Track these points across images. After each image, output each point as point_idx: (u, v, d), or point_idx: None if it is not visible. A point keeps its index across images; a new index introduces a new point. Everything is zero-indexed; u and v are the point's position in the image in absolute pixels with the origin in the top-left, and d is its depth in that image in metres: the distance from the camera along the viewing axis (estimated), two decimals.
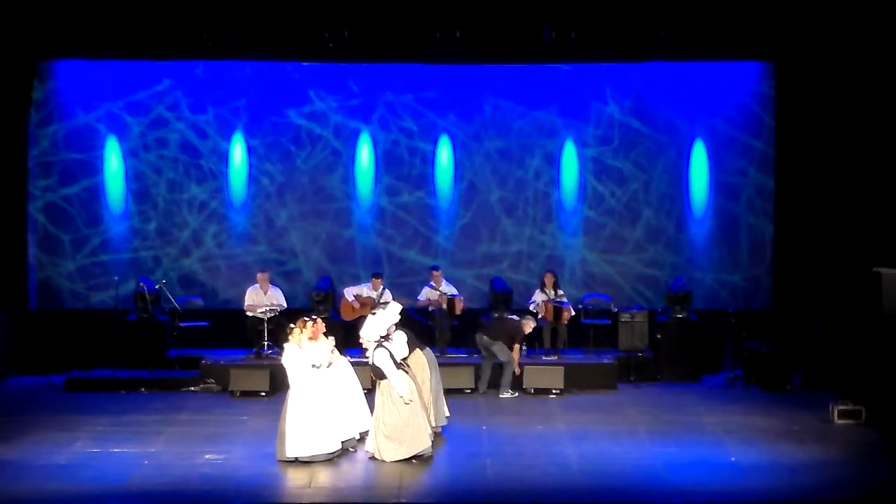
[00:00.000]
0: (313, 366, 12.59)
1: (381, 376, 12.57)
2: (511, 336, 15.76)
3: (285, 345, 12.74)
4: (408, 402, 12.49)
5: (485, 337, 15.86)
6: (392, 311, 13.12)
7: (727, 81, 17.91)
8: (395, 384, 12.49)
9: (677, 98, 17.97)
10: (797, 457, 12.72)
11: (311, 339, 12.74)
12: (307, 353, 12.62)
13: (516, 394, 15.82)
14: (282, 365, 15.20)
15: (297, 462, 12.39)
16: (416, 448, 12.54)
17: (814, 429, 13.97)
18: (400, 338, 13.05)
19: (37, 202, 17.76)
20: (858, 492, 11.55)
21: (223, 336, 17.21)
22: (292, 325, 12.77)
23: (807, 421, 14.32)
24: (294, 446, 12.40)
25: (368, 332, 12.82)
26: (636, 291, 18.13)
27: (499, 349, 15.76)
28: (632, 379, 16.66)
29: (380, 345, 12.67)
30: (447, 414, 13.80)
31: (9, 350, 17.10)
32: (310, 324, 12.79)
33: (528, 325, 15.92)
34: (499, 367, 15.95)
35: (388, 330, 12.88)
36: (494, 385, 15.95)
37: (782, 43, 16.86)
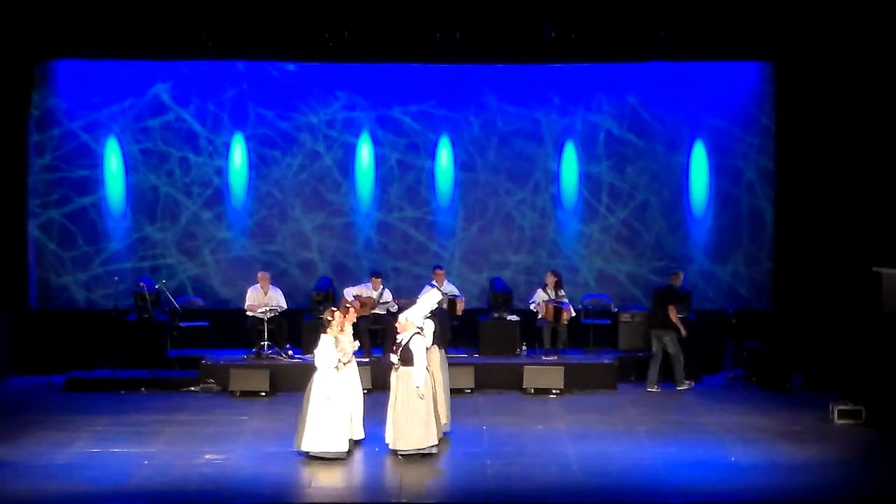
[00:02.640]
0: (336, 368, 12.66)
1: (408, 363, 12.59)
2: (666, 303, 15.95)
3: (322, 336, 12.72)
4: (421, 395, 12.54)
5: (654, 329, 16.13)
6: (433, 297, 13.21)
7: (727, 81, 17.92)
8: (416, 373, 12.54)
9: (677, 98, 17.97)
10: (797, 457, 12.73)
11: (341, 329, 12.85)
12: (341, 346, 12.69)
13: (692, 384, 16.04)
14: (282, 365, 15.22)
15: (307, 457, 12.43)
16: (422, 443, 12.57)
17: (814, 429, 13.98)
18: (429, 328, 13.07)
19: (38, 219, 17.77)
20: (858, 492, 11.56)
21: (223, 336, 17.20)
22: (330, 318, 12.78)
23: (807, 421, 14.33)
24: (309, 440, 12.45)
25: (415, 316, 12.86)
26: (636, 291, 18.13)
27: (669, 340, 15.94)
28: (632, 379, 16.66)
29: (419, 331, 12.74)
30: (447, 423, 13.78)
31: (9, 350, 17.11)
32: (338, 313, 12.85)
33: (678, 278, 16.22)
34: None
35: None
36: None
37: (782, 43, 16.87)
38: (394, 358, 12.76)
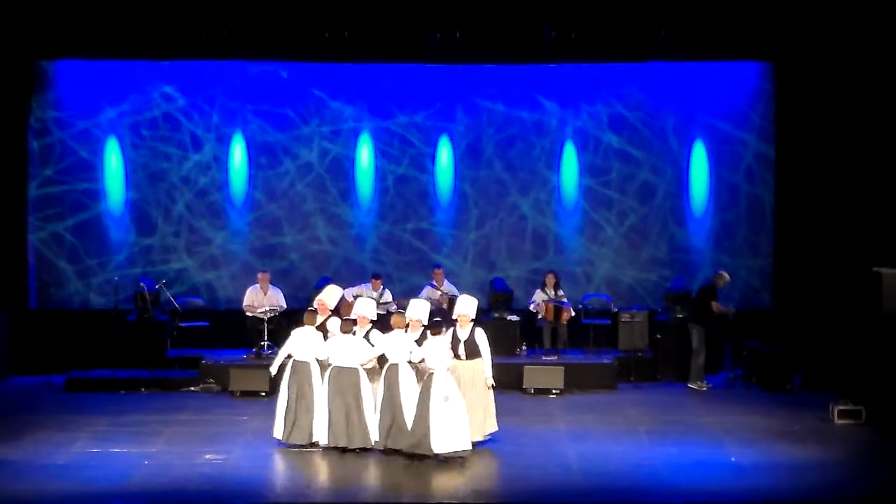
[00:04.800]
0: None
1: (474, 355, 12.75)
2: (707, 300, 16.19)
3: (433, 338, 12.66)
4: (490, 385, 12.77)
5: (689, 323, 16.34)
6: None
7: (727, 81, 17.91)
8: (487, 364, 12.74)
9: (677, 98, 17.97)
10: (797, 457, 12.73)
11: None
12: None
13: (705, 387, 16.07)
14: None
15: (436, 459, 12.40)
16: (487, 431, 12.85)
17: (814, 429, 13.98)
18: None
19: (41, 233, 17.74)
20: (858, 492, 11.56)
21: (223, 336, 17.20)
22: (440, 320, 13.00)
23: (807, 421, 14.33)
24: (437, 442, 12.38)
25: (471, 310, 13.03)
26: (636, 291, 18.12)
27: (695, 334, 16.13)
28: (632, 379, 16.66)
29: (478, 323, 12.88)
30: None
31: (9, 350, 17.11)
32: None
33: (722, 278, 16.40)
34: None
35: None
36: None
37: (782, 43, 16.87)
38: (459, 352, 12.80)
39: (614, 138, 18.02)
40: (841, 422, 14.12)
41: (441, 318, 13.67)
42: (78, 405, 15.19)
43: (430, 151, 18.06)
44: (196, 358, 16.65)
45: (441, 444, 12.33)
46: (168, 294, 16.94)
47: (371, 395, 12.82)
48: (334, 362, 12.84)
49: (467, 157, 18.10)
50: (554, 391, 15.89)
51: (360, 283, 17.08)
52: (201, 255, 18.00)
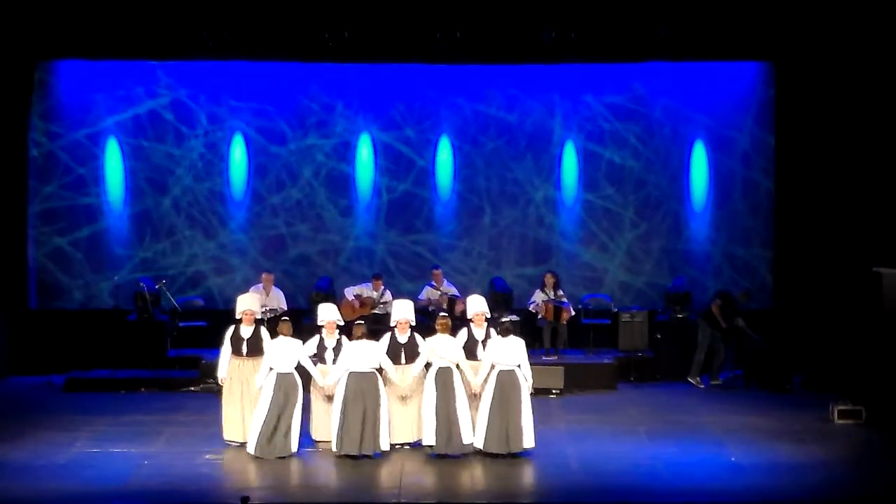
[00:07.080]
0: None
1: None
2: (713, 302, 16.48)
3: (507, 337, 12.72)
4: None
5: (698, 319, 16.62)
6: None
7: (727, 81, 17.90)
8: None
9: (677, 98, 17.96)
10: (797, 457, 12.73)
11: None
12: None
13: (702, 385, 16.31)
14: None
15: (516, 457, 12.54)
16: None
17: (814, 429, 13.98)
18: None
19: (42, 248, 17.73)
20: (858, 492, 11.55)
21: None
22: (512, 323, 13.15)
23: (807, 421, 14.33)
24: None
25: (486, 308, 13.14)
26: (637, 291, 18.12)
27: (701, 331, 16.42)
28: (632, 379, 16.67)
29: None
30: None
31: (9, 350, 17.11)
32: None
33: (746, 296, 16.77)
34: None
35: None
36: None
37: (782, 43, 16.86)
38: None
39: (615, 139, 17.98)
40: (841, 422, 14.12)
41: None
42: (78, 405, 15.19)
43: (430, 153, 18.03)
44: (196, 358, 16.64)
45: (529, 439, 12.53)
46: (168, 294, 16.94)
47: (387, 399, 12.77)
48: (351, 368, 12.62)
49: (468, 160, 18.06)
50: (554, 391, 15.88)
51: (360, 283, 17.09)
52: (205, 258, 17.96)
